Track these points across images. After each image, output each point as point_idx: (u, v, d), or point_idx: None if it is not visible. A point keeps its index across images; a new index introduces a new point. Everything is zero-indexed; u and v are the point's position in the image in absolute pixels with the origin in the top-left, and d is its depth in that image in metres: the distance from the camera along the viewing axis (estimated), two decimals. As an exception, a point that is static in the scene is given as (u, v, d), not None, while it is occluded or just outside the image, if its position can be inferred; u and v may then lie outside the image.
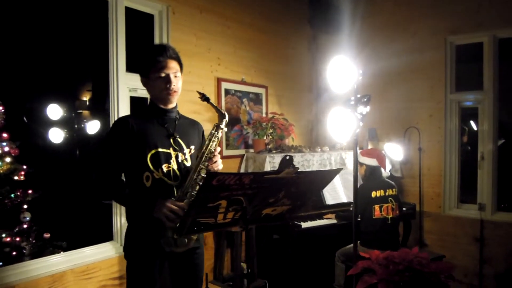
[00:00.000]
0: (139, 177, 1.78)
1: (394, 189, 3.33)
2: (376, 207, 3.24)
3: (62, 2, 4.28)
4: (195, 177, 1.75)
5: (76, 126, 4.36)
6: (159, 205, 1.67)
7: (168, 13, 3.24)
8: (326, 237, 3.67)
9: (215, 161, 1.85)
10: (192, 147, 1.95)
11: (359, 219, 3.30)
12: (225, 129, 1.91)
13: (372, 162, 3.32)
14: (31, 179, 2.91)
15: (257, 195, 1.39)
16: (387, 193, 3.28)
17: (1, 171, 2.64)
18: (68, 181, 4.29)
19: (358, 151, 3.97)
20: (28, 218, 2.80)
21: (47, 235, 2.95)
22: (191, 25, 3.45)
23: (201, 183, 1.73)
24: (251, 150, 3.88)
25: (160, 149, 1.81)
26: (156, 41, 3.25)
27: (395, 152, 3.98)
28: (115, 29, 2.93)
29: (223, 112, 1.89)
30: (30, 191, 2.76)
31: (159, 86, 1.82)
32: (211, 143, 1.82)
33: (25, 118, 2.72)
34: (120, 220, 2.98)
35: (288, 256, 3.48)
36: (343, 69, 2.06)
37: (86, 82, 7.27)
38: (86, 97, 6.90)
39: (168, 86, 1.82)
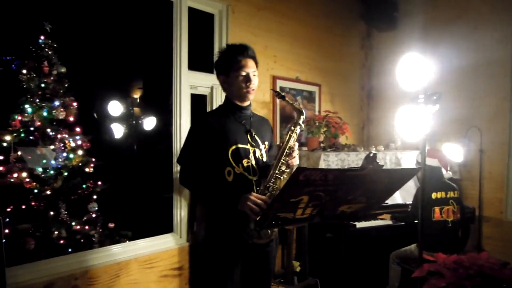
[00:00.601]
0: (221, 172, 1.86)
1: (455, 192, 3.21)
2: (436, 209, 3.14)
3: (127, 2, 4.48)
4: (276, 171, 1.82)
5: (134, 122, 4.56)
6: (243, 199, 1.74)
7: (228, 12, 3.30)
8: (380, 238, 3.59)
9: (294, 156, 1.89)
10: (266, 143, 2.02)
11: (416, 221, 3.21)
12: (303, 126, 1.96)
13: (433, 162, 3.22)
14: (97, 172, 3.08)
15: (337, 191, 1.40)
16: (448, 195, 3.16)
17: (74, 163, 2.81)
18: (130, 174, 4.50)
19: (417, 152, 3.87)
20: (96, 208, 2.96)
21: (111, 225, 3.11)
22: (249, 23, 3.50)
23: (281, 177, 1.81)
24: (304, 148, 3.88)
25: (240, 145, 1.89)
26: (216, 39, 3.33)
27: (454, 153, 3.82)
28: (179, 28, 3.03)
29: (301, 109, 1.94)
30: (99, 183, 2.91)
31: (239, 84, 1.90)
32: (290, 139, 1.87)
33: (95, 114, 2.90)
34: (180, 212, 3.08)
35: (341, 256, 3.45)
36: (415, 66, 2.01)
37: (137, 80, 7.57)
38: (137, 95, 7.19)
39: (248, 84, 1.90)
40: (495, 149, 3.89)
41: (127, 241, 2.90)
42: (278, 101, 3.75)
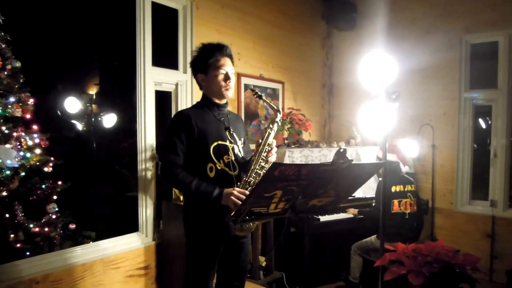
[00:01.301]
0: (203, 168, 1.90)
1: (413, 185, 3.41)
2: (395, 201, 3.32)
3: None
4: (257, 167, 1.88)
5: (93, 119, 4.40)
6: (227, 194, 1.80)
7: (192, 8, 3.28)
8: (341, 230, 3.73)
9: (273, 153, 1.97)
10: (242, 139, 2.09)
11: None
12: (280, 123, 2.04)
13: (392, 157, 3.39)
14: (57, 171, 2.95)
15: (309, 186, 1.45)
16: (406, 189, 3.35)
17: (32, 162, 2.67)
18: (91, 173, 4.34)
19: (378, 147, 4.05)
20: (56, 209, 2.84)
21: (73, 226, 2.99)
22: (214, 20, 3.50)
23: (261, 172, 1.88)
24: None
25: (220, 142, 1.94)
26: (180, 36, 3.30)
27: (409, 148, 4.04)
28: (142, 23, 2.97)
29: (277, 108, 2.03)
30: (60, 182, 2.79)
31: (218, 82, 1.95)
32: (269, 136, 1.95)
33: (58, 112, 2.78)
34: (145, 211, 3.03)
35: (305, 249, 3.55)
36: (377, 64, 2.11)
37: (93, 75, 7.29)
38: (93, 91, 6.92)
39: (227, 82, 1.96)
40: (445, 144, 4.17)
41: (91, 242, 2.81)
42: (242, 98, 3.78)
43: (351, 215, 3.65)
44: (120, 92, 5.25)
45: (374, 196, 3.64)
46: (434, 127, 4.16)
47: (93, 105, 6.23)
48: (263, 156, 1.92)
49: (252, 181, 1.87)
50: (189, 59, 3.24)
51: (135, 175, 3.15)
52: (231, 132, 2.01)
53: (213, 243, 1.95)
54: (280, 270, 3.64)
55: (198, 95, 3.28)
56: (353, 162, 1.41)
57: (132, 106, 3.13)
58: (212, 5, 3.47)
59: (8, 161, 2.57)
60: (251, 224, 1.89)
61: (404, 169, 3.66)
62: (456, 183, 4.13)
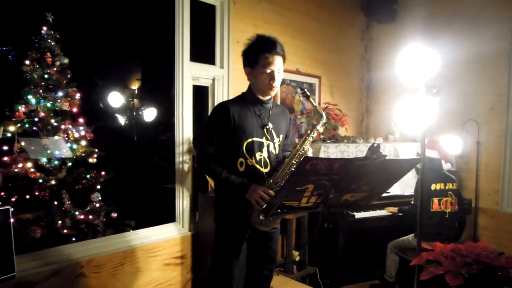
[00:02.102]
0: (233, 162, 1.94)
1: (454, 183, 3.27)
2: (435, 200, 3.20)
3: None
4: (286, 169, 1.87)
5: (134, 113, 4.57)
6: (252, 190, 1.84)
7: (229, 3, 3.31)
8: (377, 228, 3.66)
9: None
10: (281, 136, 2.08)
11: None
12: (321, 130, 1.97)
13: (432, 154, 3.27)
14: (100, 162, 3.10)
15: (342, 180, 1.44)
16: (447, 187, 3.22)
17: (78, 154, 2.83)
18: (132, 165, 4.53)
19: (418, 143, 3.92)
20: (100, 198, 2.99)
21: (114, 215, 3.15)
22: (250, 15, 3.51)
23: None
24: (304, 140, 3.92)
25: (255, 139, 1.96)
26: (218, 31, 3.34)
27: (452, 145, 3.87)
28: (181, 20, 3.04)
29: (322, 113, 1.96)
30: (103, 173, 2.94)
31: (263, 80, 1.94)
32: (305, 142, 1.90)
33: (101, 105, 2.93)
34: (182, 202, 3.13)
35: (339, 246, 3.52)
36: (417, 57, 2.04)
37: (135, 71, 7.55)
38: (135, 86, 7.17)
39: (271, 82, 1.93)
40: (491, 141, 3.95)
41: (131, 230, 2.94)
42: (278, 93, 3.78)
43: (388, 213, 3.56)
44: (160, 87, 5.41)
45: (412, 193, 3.54)
46: (480, 123, 3.96)
47: (135, 100, 6.48)
48: (295, 160, 1.88)
49: (279, 183, 1.85)
50: (226, 54, 3.30)
51: (173, 167, 3.25)
52: (269, 129, 2.01)
53: (237, 232, 2.00)
54: (314, 266, 3.64)
55: (235, 90, 3.35)
56: (388, 158, 1.38)
57: (171, 100, 3.22)
58: (249, 0, 3.49)
59: (57, 152, 2.74)
60: (269, 222, 1.85)
61: (446, 166, 3.51)
62: (502, 182, 3.92)
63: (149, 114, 4.59)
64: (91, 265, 2.57)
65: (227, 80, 3.33)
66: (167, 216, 3.18)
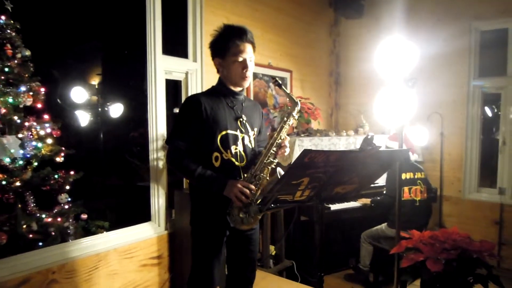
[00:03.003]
0: (208, 157, 1.83)
1: (422, 173, 3.40)
2: (405, 189, 3.31)
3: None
4: (265, 161, 1.81)
5: (99, 109, 4.37)
6: (230, 186, 1.74)
7: (201, -4, 3.23)
8: (350, 219, 3.74)
9: (285, 148, 1.89)
10: (255, 129, 2.00)
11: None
12: (296, 117, 1.93)
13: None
14: (67, 161, 2.93)
15: (336, 173, 1.44)
16: (416, 176, 3.35)
17: (44, 152, 2.65)
18: (100, 163, 4.33)
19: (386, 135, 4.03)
20: (68, 199, 2.83)
21: (84, 216, 2.98)
22: (223, 7, 3.45)
23: (269, 166, 1.82)
24: (278, 134, 3.92)
25: (229, 131, 1.86)
26: (190, 24, 3.25)
27: (417, 136, 4.03)
28: (153, 12, 2.93)
29: (296, 100, 1.91)
30: (72, 172, 2.78)
31: (235, 69, 1.85)
32: (282, 130, 1.85)
33: (58, 100, 2.73)
34: (158, 201, 3.03)
35: (315, 238, 3.56)
36: (396, 50, 2.09)
37: (95, 66, 7.23)
38: (95, 81, 6.87)
39: (244, 71, 1.85)
40: (454, 132, 4.16)
41: (104, 232, 2.81)
42: (251, 87, 3.75)
43: (360, 204, 3.64)
44: (127, 82, 5.21)
45: (383, 184, 3.64)
46: (443, 115, 4.14)
47: (97, 96, 6.21)
48: (273, 150, 1.84)
49: (257, 175, 1.80)
50: (198, 48, 3.22)
51: (146, 165, 3.14)
52: (243, 121, 1.92)
53: (216, 232, 1.90)
54: (290, 259, 3.66)
55: (208, 84, 3.27)
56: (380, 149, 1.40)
57: (140, 95, 3.10)
58: (221, -8, 3.43)
59: (21, 151, 2.55)
60: (252, 219, 1.79)
61: (413, 157, 3.65)
62: (464, 171, 4.14)
63: (116, 110, 4.41)
64: (64, 271, 2.43)
65: (200, 73, 3.26)
66: (141, 215, 3.07)
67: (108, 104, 4.34)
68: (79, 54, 5.89)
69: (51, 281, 2.36)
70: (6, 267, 2.22)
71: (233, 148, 1.86)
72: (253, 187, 1.76)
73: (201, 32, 3.24)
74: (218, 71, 1.97)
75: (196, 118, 1.81)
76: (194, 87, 3.25)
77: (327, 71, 4.93)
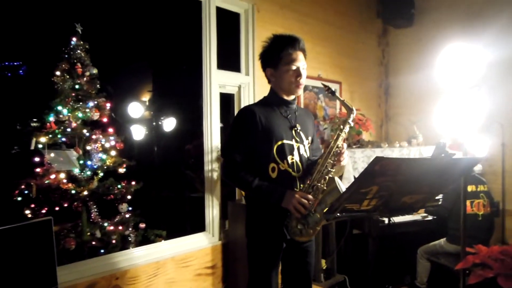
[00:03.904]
0: (264, 168, 1.83)
1: (485, 185, 3.23)
2: (468, 202, 3.15)
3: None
4: (322, 170, 1.79)
5: (154, 123, 4.58)
6: (289, 196, 1.74)
7: (253, 11, 3.32)
8: (407, 233, 3.60)
9: (343, 157, 1.86)
10: (310, 138, 1.99)
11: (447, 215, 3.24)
12: (352, 124, 1.91)
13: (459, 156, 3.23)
14: (127, 173, 3.07)
15: (406, 182, 1.41)
16: (478, 189, 3.18)
17: (109, 164, 2.80)
18: (158, 175, 4.52)
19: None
20: (130, 208, 2.96)
21: (142, 225, 3.10)
22: (273, 22, 3.52)
23: (327, 176, 1.79)
24: (329, 146, 3.89)
25: (285, 141, 1.85)
26: (242, 39, 3.35)
27: (476, 147, 3.83)
28: (208, 28, 3.05)
29: (351, 107, 1.89)
30: (133, 183, 2.91)
31: (289, 78, 1.84)
32: (339, 138, 1.83)
33: (113, 115, 2.91)
34: (212, 211, 3.09)
35: (369, 252, 3.46)
36: (462, 58, 2.03)
37: (146, 83, 7.57)
38: (146, 98, 7.18)
39: (298, 79, 1.85)
40: (513, 140, 3.91)
41: (163, 241, 2.90)
42: (302, 99, 3.77)
43: (416, 218, 3.51)
44: (179, 96, 5.41)
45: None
46: (504, 125, 3.92)
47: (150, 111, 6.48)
48: (329, 160, 1.80)
49: (315, 186, 1.77)
50: (251, 62, 3.30)
51: (200, 176, 3.22)
52: (298, 130, 1.91)
53: (273, 244, 1.87)
54: (342, 273, 3.58)
55: (260, 97, 3.33)
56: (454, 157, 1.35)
57: (192, 109, 3.20)
58: (271, 7, 3.51)
59: (89, 162, 2.72)
60: (310, 230, 1.78)
61: (476, 168, 3.47)
62: (530, 183, 3.87)
63: (169, 124, 4.60)
64: (126, 277, 2.53)
65: (252, 86, 3.33)
66: (195, 225, 3.14)
67: (162, 118, 4.53)
68: (132, 71, 6.20)
69: (114, 287, 2.47)
70: (75, 271, 2.35)
71: (289, 158, 1.85)
72: (311, 197, 1.75)
73: (253, 46, 3.32)
74: (269, 82, 1.98)
75: (251, 130, 1.82)
76: (247, 100, 3.32)
77: (376, 82, 4.86)
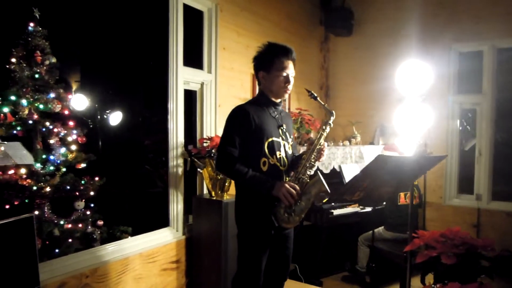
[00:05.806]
0: (256, 162, 2.03)
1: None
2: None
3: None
4: (307, 165, 2.04)
5: (99, 117, 4.36)
6: (279, 186, 1.96)
7: (217, 11, 3.39)
8: (348, 224, 3.98)
9: (323, 154, 2.13)
10: (291, 137, 2.24)
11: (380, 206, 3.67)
12: (332, 125, 2.17)
13: (394, 155, 3.70)
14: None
15: (388, 176, 1.66)
16: (412, 183, 3.66)
17: (70, 159, 2.68)
18: (115, 170, 4.29)
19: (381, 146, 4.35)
20: (91, 205, 2.86)
21: (100, 222, 3.01)
22: (234, 22, 3.63)
23: (310, 170, 2.05)
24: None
25: (274, 138, 2.08)
26: (205, 37, 3.40)
27: (406, 146, 4.37)
28: (175, 25, 3.06)
29: (331, 110, 2.18)
30: (97, 178, 2.81)
31: (279, 83, 2.08)
32: (321, 138, 2.09)
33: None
34: (176, 206, 3.11)
35: (318, 242, 3.77)
36: (414, 71, 2.37)
37: (75, 72, 7.09)
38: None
39: (286, 85, 2.10)
40: (436, 144, 4.54)
41: (129, 237, 2.86)
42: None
43: (357, 209, 3.89)
44: (128, 92, 5.19)
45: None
46: (429, 129, 4.50)
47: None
48: (314, 155, 2.07)
49: (301, 178, 2.02)
50: (213, 60, 3.37)
51: (159, 171, 3.21)
52: (284, 129, 2.16)
53: (264, 231, 2.06)
54: (293, 262, 3.83)
55: (221, 95, 3.43)
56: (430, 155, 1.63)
57: (141, 103, 3.16)
58: (233, 8, 3.61)
59: (51, 157, 2.57)
60: (297, 217, 2.01)
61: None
62: (445, 179, 4.53)
63: (115, 117, 4.40)
64: (96, 275, 2.47)
65: (214, 84, 3.40)
66: (157, 221, 3.13)
67: (107, 111, 4.34)
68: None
69: (85, 285, 2.40)
70: (45, 271, 2.23)
71: (277, 153, 2.08)
72: (298, 187, 1.98)
73: (216, 44, 3.39)
74: (259, 84, 2.20)
75: (245, 127, 2.01)
76: (209, 97, 3.38)
77: (318, 84, 5.23)
